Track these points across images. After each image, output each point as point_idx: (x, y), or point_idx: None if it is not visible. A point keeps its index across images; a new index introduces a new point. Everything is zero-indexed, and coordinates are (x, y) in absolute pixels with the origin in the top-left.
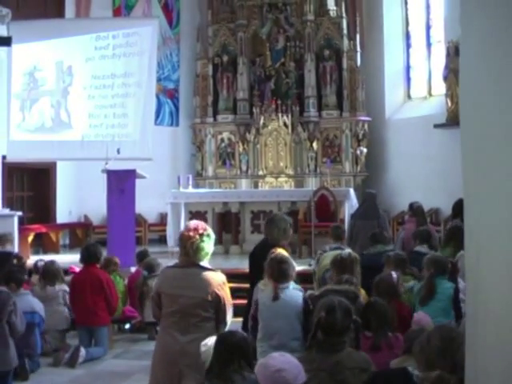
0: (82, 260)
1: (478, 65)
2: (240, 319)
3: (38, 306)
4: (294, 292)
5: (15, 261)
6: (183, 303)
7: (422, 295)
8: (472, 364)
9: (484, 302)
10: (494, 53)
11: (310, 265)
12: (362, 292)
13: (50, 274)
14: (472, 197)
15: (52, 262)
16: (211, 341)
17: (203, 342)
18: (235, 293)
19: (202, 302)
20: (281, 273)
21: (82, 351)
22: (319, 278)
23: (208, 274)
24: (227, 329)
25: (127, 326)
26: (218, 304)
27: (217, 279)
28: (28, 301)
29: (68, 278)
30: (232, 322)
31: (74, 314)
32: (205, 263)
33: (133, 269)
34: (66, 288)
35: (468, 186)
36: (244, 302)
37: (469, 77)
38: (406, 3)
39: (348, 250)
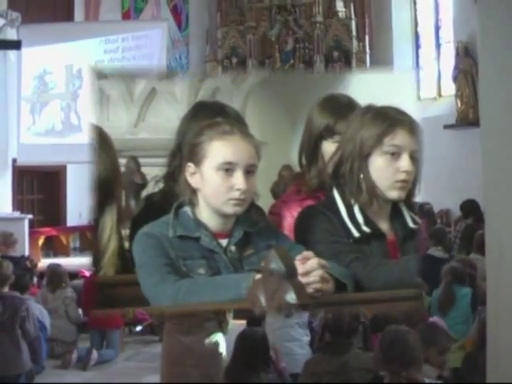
0: None
1: (496, 64)
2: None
3: (40, 312)
4: None
5: (28, 263)
6: None
7: (441, 303)
8: (494, 367)
9: (506, 301)
10: None
11: None
12: None
13: (56, 277)
14: (493, 194)
15: (58, 265)
16: (215, 338)
17: (207, 341)
18: None
19: None
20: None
21: (94, 354)
22: None
23: None
24: (229, 326)
25: (138, 327)
26: None
27: None
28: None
29: (79, 282)
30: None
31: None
32: None
33: None
34: (70, 294)
35: (489, 184)
36: None
37: (487, 76)
38: (414, 4)
39: None
